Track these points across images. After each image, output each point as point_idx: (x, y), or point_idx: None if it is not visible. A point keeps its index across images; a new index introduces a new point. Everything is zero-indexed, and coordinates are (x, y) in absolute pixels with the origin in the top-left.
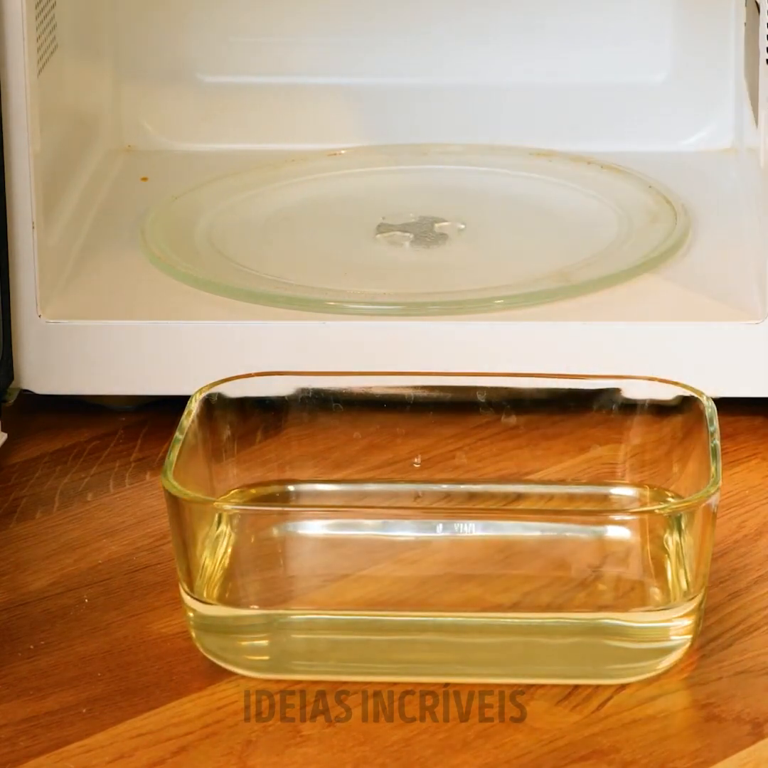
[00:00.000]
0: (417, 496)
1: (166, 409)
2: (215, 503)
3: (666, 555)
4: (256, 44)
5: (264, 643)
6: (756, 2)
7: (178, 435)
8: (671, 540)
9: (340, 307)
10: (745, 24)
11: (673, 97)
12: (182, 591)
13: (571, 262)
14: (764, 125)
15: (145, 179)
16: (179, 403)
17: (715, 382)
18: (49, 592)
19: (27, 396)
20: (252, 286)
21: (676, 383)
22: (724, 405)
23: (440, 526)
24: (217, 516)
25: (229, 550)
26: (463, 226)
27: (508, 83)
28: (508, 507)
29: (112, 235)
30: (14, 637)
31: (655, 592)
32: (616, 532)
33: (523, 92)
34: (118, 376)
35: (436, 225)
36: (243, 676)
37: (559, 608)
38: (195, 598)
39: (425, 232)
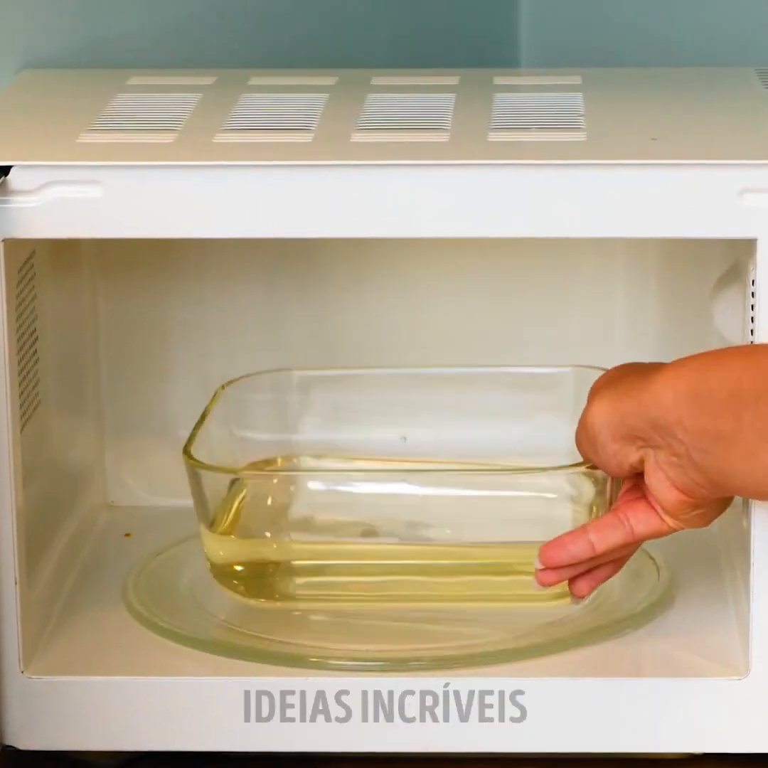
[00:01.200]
0: None
1: (151, 764)
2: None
3: None
4: None
5: None
6: None
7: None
8: None
9: (323, 663)
10: None
11: None
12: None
13: (554, 619)
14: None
15: (128, 535)
16: (163, 758)
17: (700, 738)
18: None
19: (10, 752)
20: (234, 641)
21: None
22: (709, 760)
23: None
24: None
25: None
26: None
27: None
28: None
29: (95, 590)
30: None
31: None
32: None
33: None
34: (101, 731)
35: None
36: None
37: None
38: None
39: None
